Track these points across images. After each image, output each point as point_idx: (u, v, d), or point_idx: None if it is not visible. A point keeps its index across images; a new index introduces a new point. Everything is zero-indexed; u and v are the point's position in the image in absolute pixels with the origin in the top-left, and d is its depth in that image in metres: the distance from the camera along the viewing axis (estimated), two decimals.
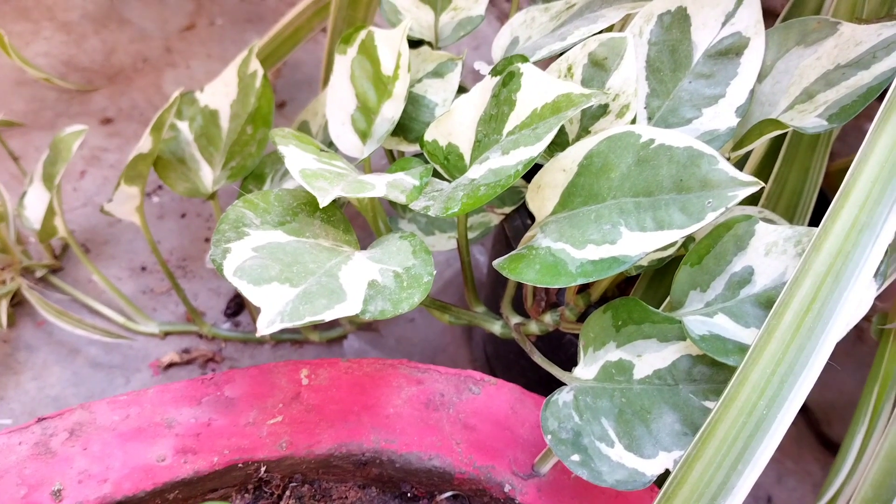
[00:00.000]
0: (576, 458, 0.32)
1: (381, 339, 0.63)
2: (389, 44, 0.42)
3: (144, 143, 0.49)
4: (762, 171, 0.41)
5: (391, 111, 0.43)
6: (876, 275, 0.30)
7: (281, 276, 0.30)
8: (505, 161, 0.33)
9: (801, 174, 0.41)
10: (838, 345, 0.36)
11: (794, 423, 0.72)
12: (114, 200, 0.51)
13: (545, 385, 0.39)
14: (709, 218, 0.29)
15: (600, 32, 0.34)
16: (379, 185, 0.35)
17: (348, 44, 0.44)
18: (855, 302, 0.27)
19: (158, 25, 0.80)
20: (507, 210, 0.47)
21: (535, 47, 0.37)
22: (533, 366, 0.38)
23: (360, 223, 0.67)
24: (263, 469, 0.35)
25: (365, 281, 0.31)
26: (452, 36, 0.44)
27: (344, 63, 0.44)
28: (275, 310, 0.28)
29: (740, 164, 0.39)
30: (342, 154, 0.47)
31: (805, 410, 0.68)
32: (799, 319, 0.27)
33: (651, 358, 0.33)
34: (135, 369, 0.57)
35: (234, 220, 0.33)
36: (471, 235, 0.47)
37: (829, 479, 0.42)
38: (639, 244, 0.30)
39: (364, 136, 0.45)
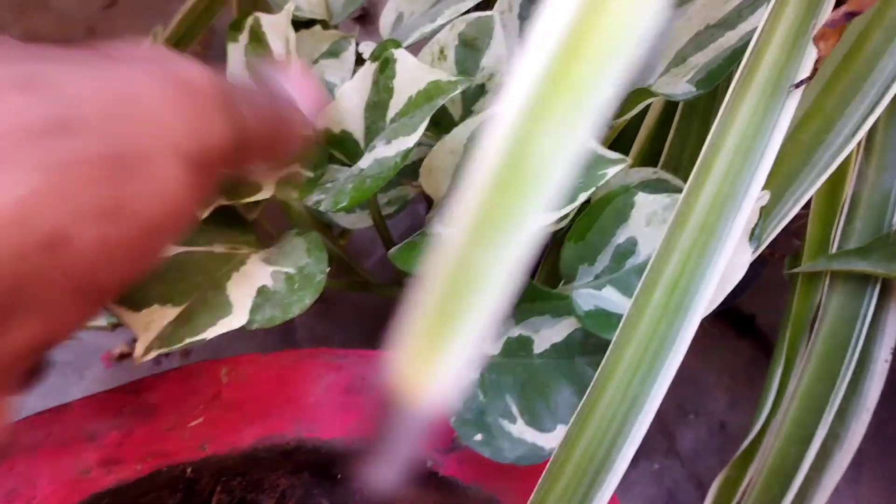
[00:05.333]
0: (479, 437, 0.33)
1: (335, 308, 0.63)
2: (276, 30, 0.41)
3: None
4: (664, 125, 0.41)
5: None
6: (751, 238, 0.30)
7: (163, 296, 0.30)
8: (387, 151, 0.33)
9: (705, 119, 0.40)
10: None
11: (746, 348, 0.74)
12: None
13: None
14: (581, 198, 0.29)
15: (469, 11, 0.33)
16: (267, 186, 0.35)
17: (239, 31, 0.43)
18: (720, 273, 0.27)
19: (79, 6, 0.78)
20: None
21: (411, 27, 0.36)
22: None
23: None
24: (189, 470, 0.37)
25: (254, 288, 0.32)
26: (343, 12, 0.43)
27: (238, 50, 0.43)
28: (151, 335, 0.28)
29: (635, 125, 0.38)
30: None
31: (756, 334, 0.70)
32: (668, 296, 0.28)
33: (547, 333, 0.34)
34: (87, 364, 0.58)
35: None
36: (389, 210, 0.47)
37: (753, 419, 0.44)
38: None
39: None
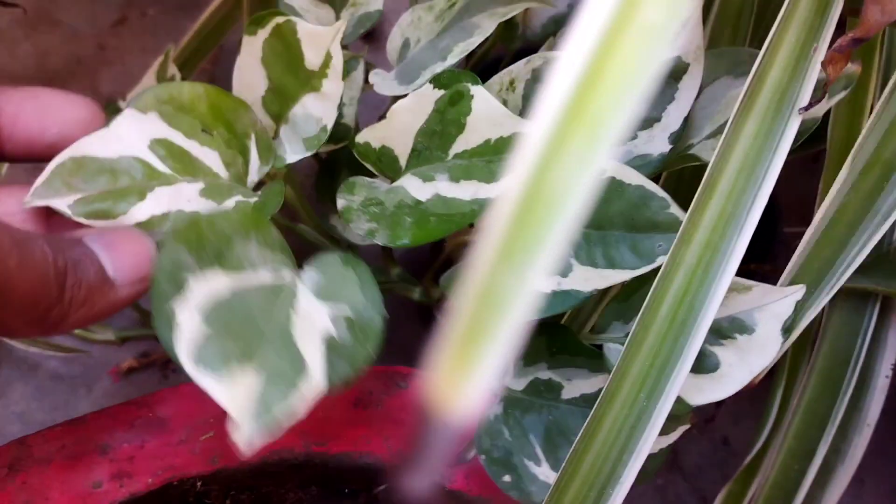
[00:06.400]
0: (507, 478, 0.33)
1: None
2: (316, 41, 0.38)
3: None
4: None
5: (318, 109, 0.38)
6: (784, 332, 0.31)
7: (241, 354, 0.26)
8: (457, 192, 0.32)
9: None
10: None
11: None
12: None
13: None
14: (659, 261, 0.30)
15: (480, 46, 0.34)
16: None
17: (260, 26, 0.40)
18: (723, 294, 0.28)
19: (89, 23, 0.79)
20: None
21: (421, 62, 0.37)
22: None
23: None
24: (200, 483, 0.37)
25: (319, 338, 0.28)
26: (353, 33, 0.44)
27: (254, 44, 0.40)
28: (247, 413, 0.25)
29: None
30: None
31: None
32: (673, 312, 0.29)
33: (580, 383, 0.34)
34: (96, 378, 0.59)
35: (170, 268, 0.27)
36: None
37: (756, 434, 0.44)
38: (590, 280, 0.30)
39: (277, 118, 0.40)
